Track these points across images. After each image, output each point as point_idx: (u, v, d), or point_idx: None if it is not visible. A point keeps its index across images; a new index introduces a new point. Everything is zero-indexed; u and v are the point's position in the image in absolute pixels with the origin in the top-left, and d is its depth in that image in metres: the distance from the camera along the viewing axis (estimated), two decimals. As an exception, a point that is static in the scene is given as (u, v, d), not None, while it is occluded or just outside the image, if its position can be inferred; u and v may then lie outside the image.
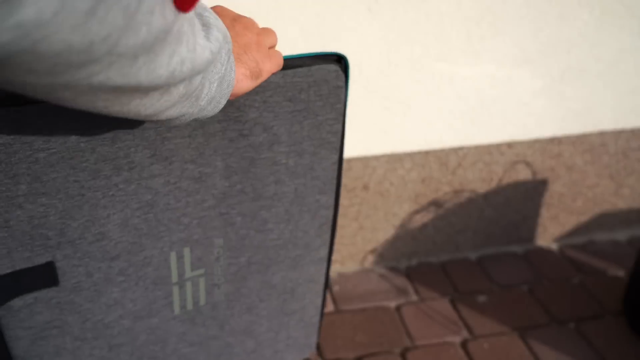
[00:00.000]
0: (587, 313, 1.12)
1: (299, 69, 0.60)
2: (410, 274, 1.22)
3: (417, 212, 1.20)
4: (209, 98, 0.45)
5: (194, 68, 0.38)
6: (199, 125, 0.58)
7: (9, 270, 0.54)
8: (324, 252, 0.78)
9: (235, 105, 0.59)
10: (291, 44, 0.97)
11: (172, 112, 0.41)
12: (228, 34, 0.47)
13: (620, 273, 1.24)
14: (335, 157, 0.69)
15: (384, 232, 1.20)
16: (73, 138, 0.51)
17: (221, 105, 0.49)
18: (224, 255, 0.68)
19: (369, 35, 0.99)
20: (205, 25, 0.43)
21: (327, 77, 0.62)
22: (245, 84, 0.52)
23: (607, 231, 1.38)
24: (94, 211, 0.55)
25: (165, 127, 0.56)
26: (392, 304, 1.13)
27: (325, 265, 0.80)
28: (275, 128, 0.62)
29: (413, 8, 0.99)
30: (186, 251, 0.65)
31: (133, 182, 0.57)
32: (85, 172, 0.53)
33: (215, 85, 0.45)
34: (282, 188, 0.67)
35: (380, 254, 1.23)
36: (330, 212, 0.74)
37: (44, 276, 0.56)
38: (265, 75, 0.54)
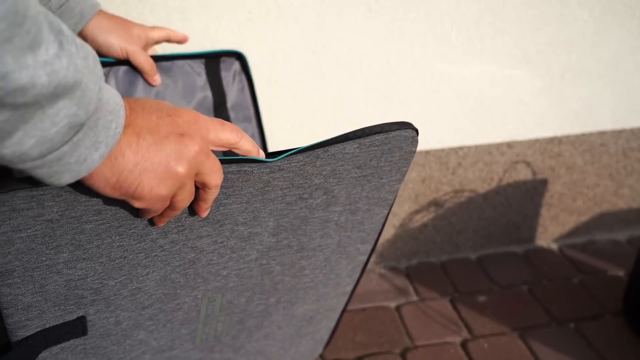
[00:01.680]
0: (587, 313, 1.12)
1: (376, 137, 0.55)
2: (410, 274, 1.22)
3: (417, 212, 1.20)
4: (17, 153, 0.32)
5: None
6: (260, 192, 0.53)
7: (38, 329, 0.51)
8: (349, 288, 0.77)
9: (303, 175, 0.54)
10: (291, 44, 0.97)
11: None
12: (120, 100, 0.37)
13: (620, 273, 1.24)
14: (386, 212, 0.66)
15: (384, 232, 1.20)
16: (124, 208, 0.47)
17: (63, 180, 0.36)
18: (255, 297, 0.66)
19: (369, 35, 0.99)
20: (60, 34, 0.31)
21: (402, 144, 0.58)
22: (99, 184, 0.38)
23: (607, 231, 1.38)
24: (134, 270, 0.53)
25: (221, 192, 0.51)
26: (392, 304, 1.13)
27: (347, 297, 0.78)
28: (336, 191, 0.58)
29: (413, 8, 0.99)
30: (219, 297, 0.62)
31: (179, 243, 0.53)
32: (131, 238, 0.50)
33: (33, 142, 0.32)
34: (327, 240, 0.64)
35: (380, 254, 1.23)
36: (366, 257, 0.72)
37: (74, 330, 0.53)
38: (143, 202, 0.40)
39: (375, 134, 0.55)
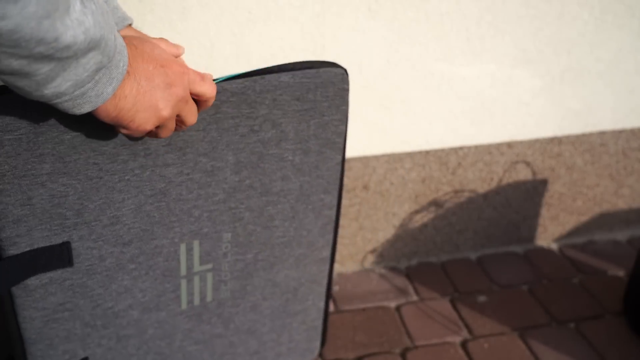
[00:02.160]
0: (587, 313, 1.12)
1: (308, 71, 0.64)
2: (410, 274, 1.22)
3: (417, 212, 1.20)
4: (56, 92, 0.40)
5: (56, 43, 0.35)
6: (213, 120, 0.61)
7: (27, 249, 0.57)
8: (326, 253, 0.79)
9: (247, 101, 0.62)
10: (291, 44, 0.97)
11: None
12: (122, 41, 0.43)
13: (620, 273, 1.24)
14: (339, 157, 0.72)
15: (384, 232, 1.20)
16: (97, 123, 0.54)
17: (83, 110, 0.44)
18: (232, 251, 0.71)
19: (369, 35, 0.99)
20: None
21: (334, 80, 0.66)
22: (102, 115, 0.46)
23: (607, 231, 1.38)
24: (110, 194, 0.59)
25: None
26: (392, 304, 1.13)
27: (327, 266, 0.81)
28: (284, 125, 0.66)
29: (413, 8, 0.99)
30: (195, 244, 0.67)
31: (148, 169, 0.60)
32: (104, 156, 0.56)
33: (69, 84, 0.40)
34: (288, 185, 0.70)
35: (380, 254, 1.23)
36: (333, 213, 0.76)
37: (60, 256, 0.59)
38: (129, 131, 0.49)
39: (306, 68, 0.64)
